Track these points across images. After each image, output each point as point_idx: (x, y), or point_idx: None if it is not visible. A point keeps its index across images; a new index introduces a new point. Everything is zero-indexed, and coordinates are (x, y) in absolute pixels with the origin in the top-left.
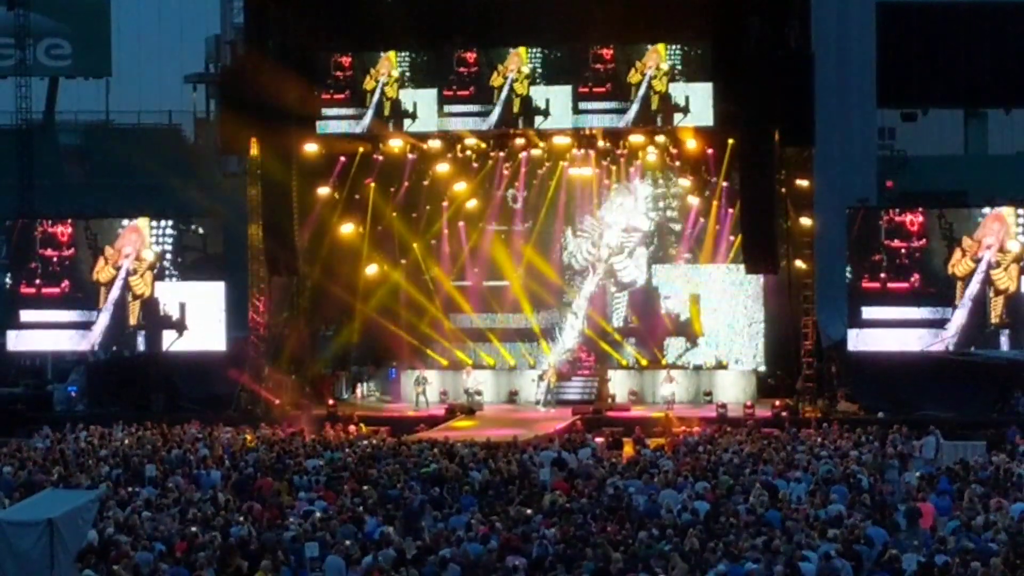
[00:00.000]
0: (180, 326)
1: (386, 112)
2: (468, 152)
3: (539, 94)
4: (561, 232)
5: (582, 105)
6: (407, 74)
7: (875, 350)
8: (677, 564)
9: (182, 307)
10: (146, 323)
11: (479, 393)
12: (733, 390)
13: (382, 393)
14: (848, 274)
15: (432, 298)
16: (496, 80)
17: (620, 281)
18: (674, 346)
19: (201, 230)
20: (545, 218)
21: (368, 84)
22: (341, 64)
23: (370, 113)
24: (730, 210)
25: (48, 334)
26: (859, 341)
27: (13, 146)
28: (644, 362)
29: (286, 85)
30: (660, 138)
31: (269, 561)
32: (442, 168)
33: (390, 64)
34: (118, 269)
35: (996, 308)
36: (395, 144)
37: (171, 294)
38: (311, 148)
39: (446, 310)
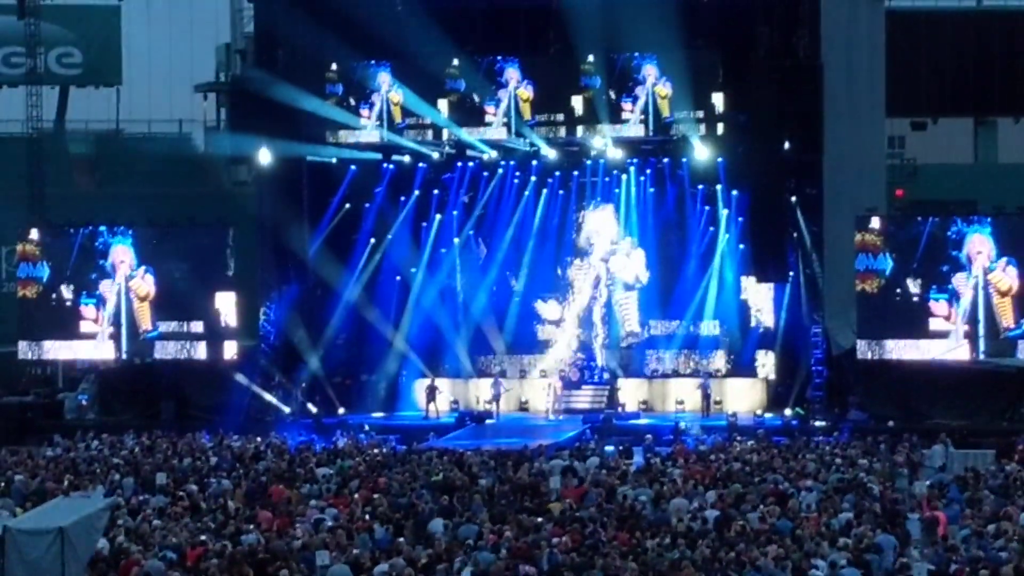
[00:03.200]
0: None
1: (397, 121)
2: (478, 161)
3: (549, 103)
4: (571, 241)
5: (591, 114)
6: (417, 84)
7: (885, 359)
8: (689, 573)
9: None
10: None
11: (489, 402)
12: (743, 398)
13: (392, 402)
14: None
15: (443, 307)
16: (507, 89)
17: (624, 282)
18: (691, 355)
19: (212, 239)
20: (554, 227)
21: (379, 94)
22: (352, 73)
23: (381, 122)
24: (739, 219)
25: (64, 344)
26: (869, 350)
27: (23, 154)
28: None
29: (296, 94)
30: (670, 147)
31: (287, 571)
32: (452, 177)
33: (401, 74)
34: (131, 279)
35: (1005, 312)
36: (406, 153)
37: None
38: (321, 157)
39: (457, 319)
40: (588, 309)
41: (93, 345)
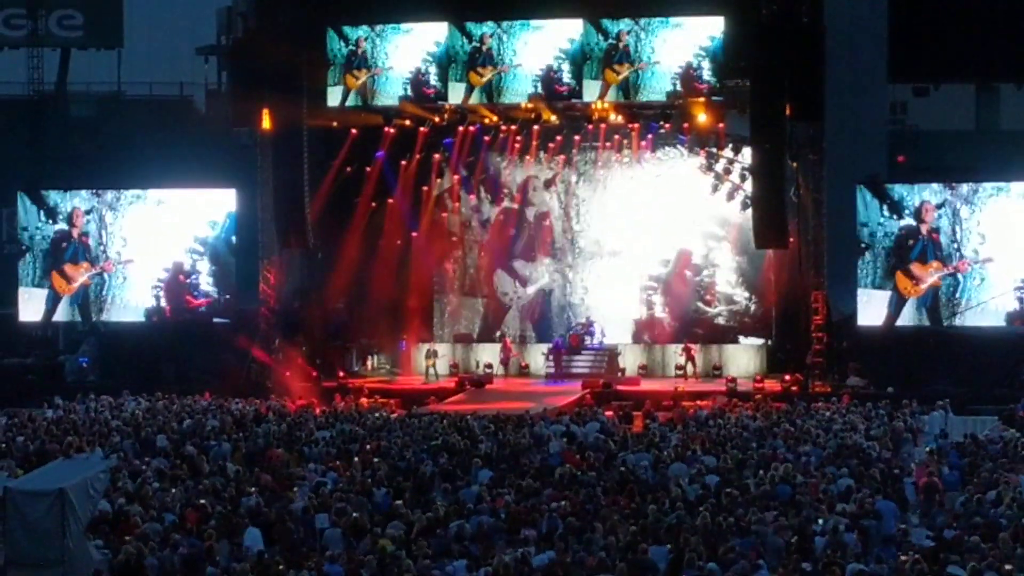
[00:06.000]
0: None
1: (398, 84)
2: (479, 124)
3: (550, 68)
4: (571, 205)
5: (595, 79)
6: (418, 46)
7: (885, 324)
8: (688, 537)
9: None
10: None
11: (489, 366)
12: (743, 364)
13: (392, 366)
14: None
15: (443, 271)
16: (509, 53)
17: (636, 255)
18: (689, 324)
19: (212, 202)
20: (556, 191)
21: (379, 56)
22: (352, 36)
23: (382, 86)
24: (740, 184)
25: (65, 305)
26: (868, 315)
27: (25, 117)
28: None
29: (297, 57)
30: (671, 112)
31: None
32: (452, 140)
33: (402, 36)
34: (129, 240)
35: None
36: (407, 117)
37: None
38: (322, 120)
39: (457, 283)
40: (591, 272)
41: (90, 304)
